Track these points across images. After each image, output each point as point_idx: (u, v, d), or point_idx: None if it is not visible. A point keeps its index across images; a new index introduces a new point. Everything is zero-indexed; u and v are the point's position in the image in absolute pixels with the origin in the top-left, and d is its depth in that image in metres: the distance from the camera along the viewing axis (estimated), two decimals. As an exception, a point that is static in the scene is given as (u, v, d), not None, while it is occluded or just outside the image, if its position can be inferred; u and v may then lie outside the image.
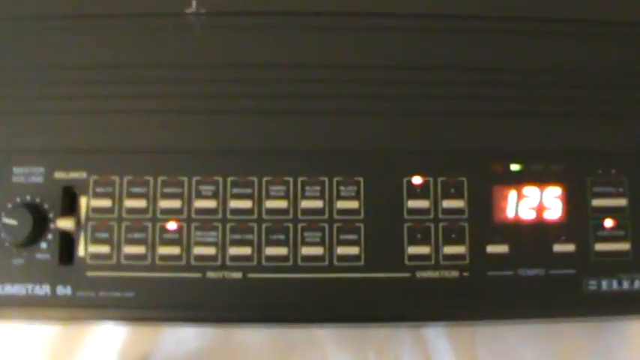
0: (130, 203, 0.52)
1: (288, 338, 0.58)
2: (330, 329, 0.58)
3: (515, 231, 0.52)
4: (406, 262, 0.51)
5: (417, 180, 0.52)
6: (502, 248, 0.52)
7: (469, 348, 0.57)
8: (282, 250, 0.51)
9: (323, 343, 0.58)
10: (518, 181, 0.53)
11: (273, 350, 0.58)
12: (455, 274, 0.52)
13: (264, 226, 0.51)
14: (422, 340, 0.58)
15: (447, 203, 0.52)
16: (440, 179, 0.52)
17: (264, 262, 0.51)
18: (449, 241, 0.52)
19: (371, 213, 0.52)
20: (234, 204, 0.51)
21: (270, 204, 0.52)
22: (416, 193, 0.52)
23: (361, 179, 0.52)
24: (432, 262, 0.52)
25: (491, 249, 0.52)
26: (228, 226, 0.51)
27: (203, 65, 0.53)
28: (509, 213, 0.53)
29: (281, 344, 0.58)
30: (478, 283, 0.52)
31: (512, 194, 0.53)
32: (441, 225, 0.52)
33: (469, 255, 0.52)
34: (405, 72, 0.53)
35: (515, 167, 0.53)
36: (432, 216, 0.52)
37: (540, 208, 0.53)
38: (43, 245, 0.51)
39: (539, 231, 0.53)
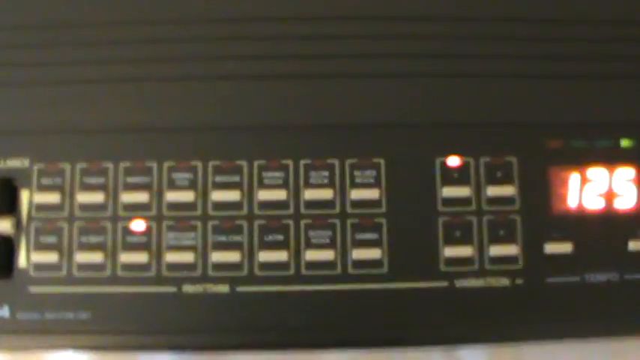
0: (83, 198, 0.40)
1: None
2: (343, 355, 0.45)
3: (580, 225, 0.40)
4: (442, 267, 0.39)
5: (453, 161, 0.40)
6: (564, 247, 0.40)
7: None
8: (280, 255, 0.39)
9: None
10: (580, 160, 0.41)
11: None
12: (505, 281, 0.39)
13: (256, 223, 0.39)
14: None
15: (493, 190, 0.40)
16: (482, 159, 0.40)
17: (257, 272, 0.39)
18: (496, 240, 0.39)
19: (395, 205, 0.39)
20: (218, 196, 0.39)
21: (265, 195, 0.39)
22: (452, 177, 0.40)
23: (382, 161, 0.40)
24: (476, 266, 0.39)
25: (550, 249, 0.40)
26: (210, 224, 0.39)
27: (174, 20, 0.41)
28: (571, 202, 0.40)
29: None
30: (534, 292, 0.40)
31: (573, 178, 0.40)
32: (485, 219, 0.40)
33: (522, 257, 0.40)
34: (436, 24, 0.41)
35: (577, 143, 0.41)
36: (473, 207, 0.40)
37: (610, 195, 0.41)
38: (-28, 254, 0.39)
39: (609, 224, 0.41)
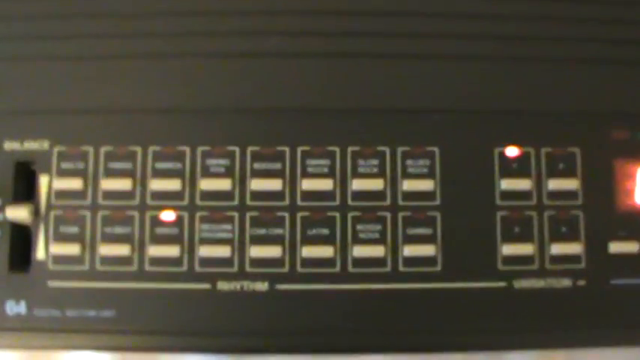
0: (108, 184, 0.36)
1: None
2: (389, 357, 0.41)
3: (647, 223, 0.37)
4: (500, 266, 0.36)
5: (512, 151, 0.36)
6: (629, 247, 0.37)
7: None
8: (325, 251, 0.35)
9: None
10: (648, 153, 0.37)
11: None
12: (566, 282, 0.36)
13: (299, 216, 0.35)
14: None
15: (555, 184, 0.36)
16: (544, 150, 0.37)
17: (299, 268, 0.35)
18: (558, 237, 0.36)
19: (450, 197, 0.36)
20: (257, 185, 0.35)
21: (309, 184, 0.36)
22: (511, 169, 0.36)
23: (436, 150, 0.36)
24: (535, 266, 0.36)
25: (614, 248, 0.36)
26: (248, 216, 0.35)
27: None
28: (638, 198, 0.37)
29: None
30: (597, 294, 0.36)
31: (640, 172, 0.37)
32: (546, 214, 0.36)
33: (585, 256, 0.36)
34: (497, 3, 0.37)
35: (643, 134, 0.37)
36: (534, 202, 0.36)
37: (679, 191, 0.37)
38: (-14, 244, 0.36)
39: (679, 222, 0.37)
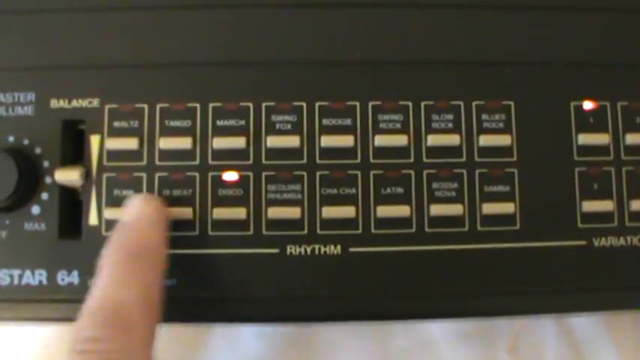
0: (166, 143, 0.33)
1: (387, 333, 0.39)
2: (446, 322, 0.39)
3: None
4: (579, 224, 0.33)
5: (588, 105, 0.34)
6: None
7: (634, 340, 0.40)
8: (401, 210, 0.33)
9: (436, 340, 0.39)
10: None
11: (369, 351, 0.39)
12: (646, 240, 0.34)
13: (372, 174, 0.33)
14: (570, 332, 0.40)
15: (632, 138, 0.34)
16: (620, 104, 0.35)
17: (373, 230, 0.33)
18: (637, 193, 0.34)
19: (528, 153, 0.34)
20: (327, 141, 0.33)
21: (382, 140, 0.33)
22: (589, 123, 0.34)
23: (512, 103, 0.34)
24: (615, 223, 0.34)
25: (692, 204, 0.34)
26: (318, 175, 0.33)
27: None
28: None
29: (378, 343, 0.39)
30: (677, 252, 0.34)
31: None
32: (624, 170, 0.34)
33: (665, 213, 0.34)
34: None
35: None
36: (611, 157, 0.34)
37: None
38: (35, 210, 0.32)
39: None
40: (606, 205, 0.34)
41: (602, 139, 0.34)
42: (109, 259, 0.29)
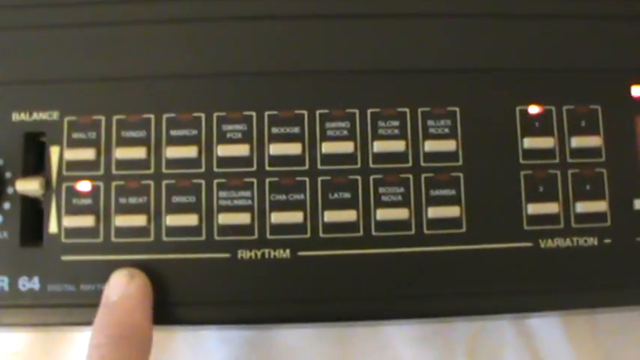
0: (122, 153, 0.33)
1: (347, 338, 0.39)
2: (405, 326, 0.39)
3: (670, 178, 0.34)
4: (525, 226, 0.33)
5: (534, 109, 0.34)
6: (654, 203, 0.34)
7: (591, 341, 0.39)
8: (347, 215, 0.33)
9: (395, 344, 0.39)
10: (669, 109, 0.35)
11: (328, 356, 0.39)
12: (593, 241, 0.34)
13: (320, 180, 0.33)
14: (527, 334, 0.39)
15: (578, 141, 0.34)
16: (565, 108, 0.34)
17: (322, 234, 0.33)
18: (582, 195, 0.34)
19: (473, 157, 0.33)
20: (276, 149, 0.33)
21: (329, 148, 0.33)
22: (534, 127, 0.34)
23: (457, 109, 0.34)
24: (561, 225, 0.33)
25: None
26: (267, 182, 0.33)
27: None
28: (661, 153, 0.35)
29: (337, 347, 0.39)
30: (624, 252, 0.34)
31: (662, 128, 0.35)
32: (570, 172, 0.34)
33: (611, 214, 0.34)
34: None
35: (663, 90, 0.35)
36: (557, 159, 0.34)
37: (700, 146, 0.35)
38: (-4, 218, 0.33)
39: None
40: (552, 208, 0.33)
41: (547, 142, 0.34)
42: (97, 341, 0.29)
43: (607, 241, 0.34)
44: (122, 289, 0.31)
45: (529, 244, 0.33)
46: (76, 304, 0.32)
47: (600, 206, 0.34)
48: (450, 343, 0.39)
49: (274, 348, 0.38)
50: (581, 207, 0.34)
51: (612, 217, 0.34)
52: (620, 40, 0.35)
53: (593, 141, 0.34)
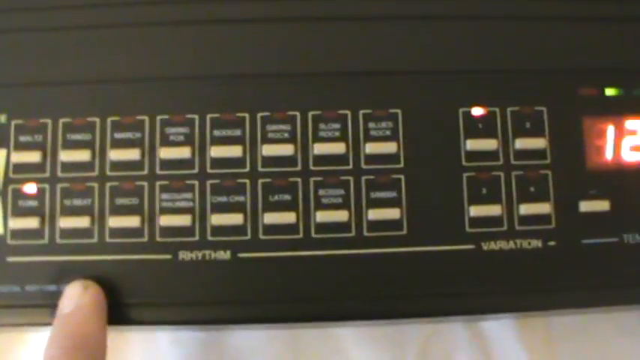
0: (67, 156, 0.33)
1: (299, 340, 0.39)
2: (356, 327, 0.39)
3: (618, 181, 0.34)
4: (467, 228, 0.33)
5: (477, 111, 0.34)
6: (600, 205, 0.34)
7: (544, 344, 0.39)
8: (287, 217, 0.33)
9: (346, 346, 0.39)
10: (617, 110, 0.35)
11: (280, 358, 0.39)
12: (536, 243, 0.33)
13: (260, 182, 0.33)
14: (482, 336, 0.39)
15: (522, 143, 0.34)
16: (510, 109, 0.34)
17: (261, 236, 0.33)
18: (527, 198, 0.33)
19: (415, 159, 0.33)
20: (217, 152, 0.33)
21: (269, 150, 0.33)
22: (477, 129, 0.34)
23: (399, 111, 0.34)
24: (504, 227, 0.33)
25: (585, 207, 0.34)
26: (208, 183, 0.33)
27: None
28: (608, 155, 0.34)
29: (289, 350, 0.39)
30: (569, 255, 0.33)
31: (610, 129, 0.34)
32: (514, 174, 0.33)
33: (555, 216, 0.33)
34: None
35: (611, 91, 0.34)
36: (500, 162, 0.33)
37: (650, 148, 0.34)
38: (-58, 220, 0.33)
39: (650, 180, 0.34)
40: (495, 210, 0.33)
41: (490, 144, 0.34)
42: (51, 353, 0.30)
43: (551, 243, 0.33)
44: (75, 300, 0.31)
45: (471, 247, 0.33)
46: (21, 305, 0.33)
47: (544, 208, 0.33)
48: (403, 345, 0.39)
49: (226, 349, 0.39)
50: (525, 209, 0.33)
51: (557, 220, 0.33)
52: (567, 41, 0.35)
53: (538, 143, 0.34)
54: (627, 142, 0.34)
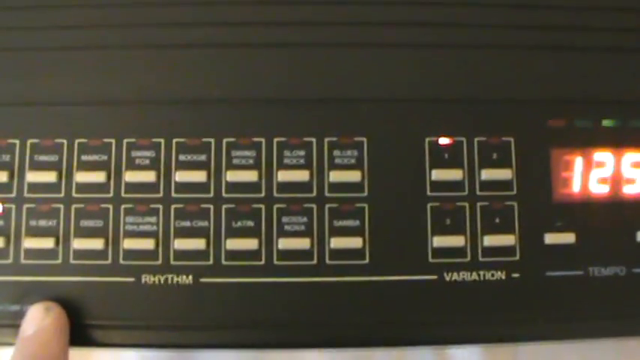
0: (34, 177, 0.33)
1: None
2: (319, 355, 0.39)
3: (584, 213, 0.34)
4: (430, 259, 0.33)
5: (444, 141, 0.34)
6: (566, 237, 0.34)
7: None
8: (250, 243, 0.33)
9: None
10: (585, 142, 0.34)
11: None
12: (500, 275, 0.33)
13: (224, 207, 0.33)
14: (449, 363, 0.39)
15: (488, 174, 0.33)
16: (477, 139, 0.34)
17: (224, 261, 0.33)
18: (491, 229, 0.33)
19: (379, 188, 0.33)
20: (182, 176, 0.33)
21: (233, 176, 0.33)
22: (443, 159, 0.33)
23: (364, 140, 0.33)
24: (468, 258, 0.33)
25: (550, 239, 0.34)
26: (172, 208, 0.33)
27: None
28: (575, 188, 0.34)
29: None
30: (533, 287, 0.33)
31: (577, 161, 0.34)
32: (479, 205, 0.33)
33: (520, 248, 0.33)
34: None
35: (581, 123, 0.34)
36: (466, 192, 0.33)
37: (617, 181, 0.34)
38: None
39: (616, 213, 0.34)
40: (458, 241, 0.33)
41: (456, 174, 0.33)
42: None
43: (515, 275, 0.33)
44: (37, 322, 0.31)
45: (434, 277, 0.33)
46: (-17, 325, 0.33)
47: (509, 240, 0.33)
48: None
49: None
50: (489, 240, 0.33)
51: (521, 251, 0.33)
52: (536, 70, 0.34)
53: (504, 174, 0.34)
54: (595, 174, 0.34)
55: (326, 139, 0.33)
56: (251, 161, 0.33)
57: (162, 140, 0.33)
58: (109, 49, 0.34)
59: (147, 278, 0.33)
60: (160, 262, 0.33)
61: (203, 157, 0.33)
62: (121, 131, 0.33)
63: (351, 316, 0.33)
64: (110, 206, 0.33)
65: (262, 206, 0.33)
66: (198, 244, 0.32)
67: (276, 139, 0.33)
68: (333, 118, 0.33)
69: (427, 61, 0.34)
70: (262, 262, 0.33)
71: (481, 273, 0.33)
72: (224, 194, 0.33)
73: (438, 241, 0.33)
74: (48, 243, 0.33)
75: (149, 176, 0.33)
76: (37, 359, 0.30)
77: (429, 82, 0.34)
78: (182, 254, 0.33)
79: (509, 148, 0.34)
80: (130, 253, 0.33)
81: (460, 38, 0.34)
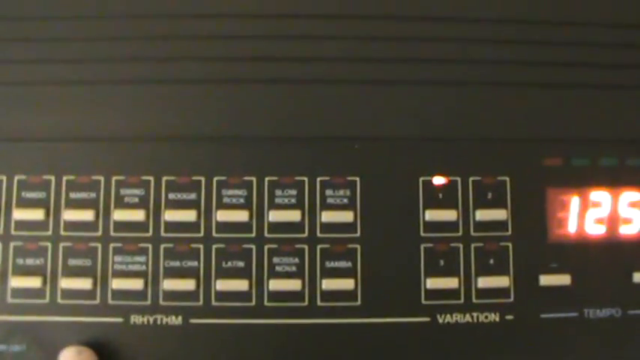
0: (21, 215, 0.33)
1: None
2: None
3: (579, 254, 0.34)
4: (423, 301, 0.32)
5: (438, 180, 0.33)
6: (561, 279, 0.33)
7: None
8: (240, 284, 0.32)
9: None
10: (582, 181, 0.34)
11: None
12: (494, 317, 0.33)
13: (214, 247, 0.32)
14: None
15: (483, 214, 0.33)
16: (472, 179, 0.33)
17: (214, 302, 0.32)
18: (485, 270, 0.33)
19: (372, 229, 0.33)
20: (171, 216, 0.32)
21: (224, 215, 0.32)
22: (437, 199, 0.33)
23: (357, 179, 0.33)
24: (462, 300, 0.32)
25: (545, 280, 0.33)
26: (162, 247, 0.32)
27: (117, 15, 0.34)
28: (570, 228, 0.33)
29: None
30: (527, 329, 0.33)
31: (574, 201, 0.33)
32: (473, 246, 0.33)
33: (514, 289, 0.33)
34: (420, 25, 0.34)
35: (577, 162, 0.34)
36: (460, 233, 0.33)
37: (614, 221, 0.34)
38: None
39: (612, 254, 0.34)
40: (452, 282, 0.32)
41: (450, 215, 0.33)
42: None
43: (509, 317, 0.33)
44: None
45: (426, 319, 0.32)
46: (-32, 365, 0.32)
47: (503, 282, 0.33)
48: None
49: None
50: (483, 282, 0.32)
51: (516, 293, 0.33)
52: (531, 108, 0.34)
53: (499, 214, 0.33)
54: (591, 214, 0.34)
55: (318, 179, 0.33)
56: (242, 200, 0.32)
57: (151, 178, 0.33)
58: (97, 85, 0.33)
59: (136, 319, 0.32)
60: (149, 302, 0.32)
61: (193, 196, 0.32)
62: (110, 168, 0.33)
63: (343, 359, 0.32)
64: (99, 245, 0.32)
65: (253, 246, 0.32)
66: (187, 284, 0.32)
67: (267, 178, 0.33)
68: (325, 156, 0.33)
69: (421, 100, 0.33)
70: (253, 304, 0.32)
71: (475, 315, 0.32)
72: (214, 234, 0.32)
73: (432, 283, 0.32)
74: (35, 282, 0.32)
75: (138, 215, 0.32)
76: None
77: (423, 120, 0.33)
78: (171, 294, 0.32)
79: (505, 187, 0.33)
80: (119, 293, 0.32)
81: (454, 76, 0.33)
